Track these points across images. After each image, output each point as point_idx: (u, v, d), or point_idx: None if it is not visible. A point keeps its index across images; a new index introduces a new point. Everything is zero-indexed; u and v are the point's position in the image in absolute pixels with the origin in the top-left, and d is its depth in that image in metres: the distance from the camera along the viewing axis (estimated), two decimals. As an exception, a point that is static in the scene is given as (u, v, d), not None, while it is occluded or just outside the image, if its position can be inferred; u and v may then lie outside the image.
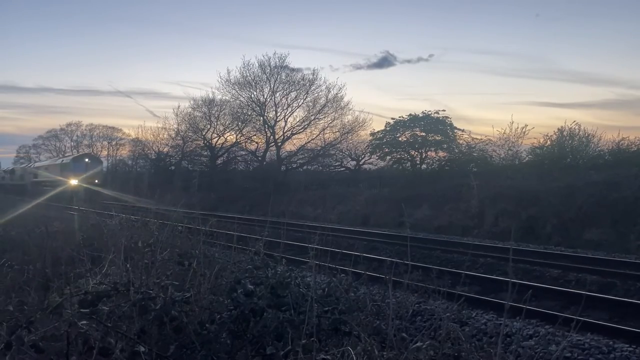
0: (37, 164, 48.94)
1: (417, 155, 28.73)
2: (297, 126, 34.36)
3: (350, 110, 33.49)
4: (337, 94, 33.39)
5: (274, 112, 34.61)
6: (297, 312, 3.36)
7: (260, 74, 34.07)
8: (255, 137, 35.82)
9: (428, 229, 17.10)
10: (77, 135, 64.77)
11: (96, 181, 35.77)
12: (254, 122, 35.18)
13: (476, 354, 3.65)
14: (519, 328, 5.72)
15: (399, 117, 29.29)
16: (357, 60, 72.65)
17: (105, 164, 41.18)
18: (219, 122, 36.35)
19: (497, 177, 21.23)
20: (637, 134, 45.79)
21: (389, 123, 29.55)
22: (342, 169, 34.32)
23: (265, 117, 34.52)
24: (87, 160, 38.03)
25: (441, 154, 28.48)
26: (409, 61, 64.12)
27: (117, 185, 35.75)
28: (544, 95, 60.14)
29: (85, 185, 34.05)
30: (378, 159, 31.07)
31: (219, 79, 36.33)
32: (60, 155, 54.93)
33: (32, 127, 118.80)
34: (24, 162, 61.63)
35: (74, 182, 34.30)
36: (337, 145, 33.60)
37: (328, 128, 33.46)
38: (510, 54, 62.07)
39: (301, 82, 33.98)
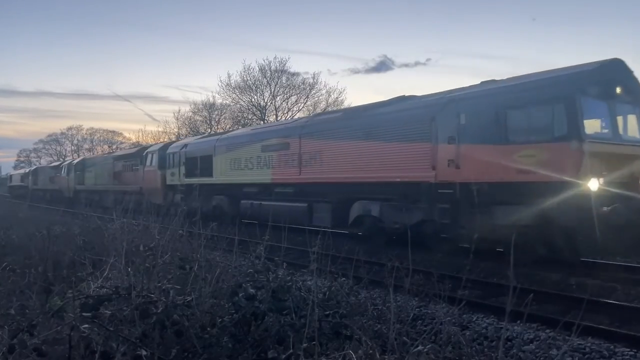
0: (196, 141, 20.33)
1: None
2: (297, 130, 34.33)
3: (350, 114, 33.43)
4: (337, 97, 33.53)
5: (274, 116, 34.70)
6: (298, 315, 3.37)
7: (260, 78, 34.23)
8: (255, 141, 35.69)
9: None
10: (77, 139, 64.98)
11: None
12: (254, 126, 35.14)
13: (477, 357, 3.67)
14: (520, 332, 5.71)
15: (400, 121, 29.30)
16: (355, 64, 73.08)
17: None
18: (219, 126, 36.44)
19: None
20: (638, 137, 45.62)
21: (390, 127, 29.58)
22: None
23: (265, 121, 34.57)
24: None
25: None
26: (406, 65, 64.41)
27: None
28: (543, 99, 60.16)
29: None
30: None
31: (220, 83, 36.70)
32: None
33: (32, 131, 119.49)
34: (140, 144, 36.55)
35: (593, 184, 8.22)
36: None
37: (328, 132, 33.41)
38: (508, 58, 62.44)
39: (301, 86, 34.16)
